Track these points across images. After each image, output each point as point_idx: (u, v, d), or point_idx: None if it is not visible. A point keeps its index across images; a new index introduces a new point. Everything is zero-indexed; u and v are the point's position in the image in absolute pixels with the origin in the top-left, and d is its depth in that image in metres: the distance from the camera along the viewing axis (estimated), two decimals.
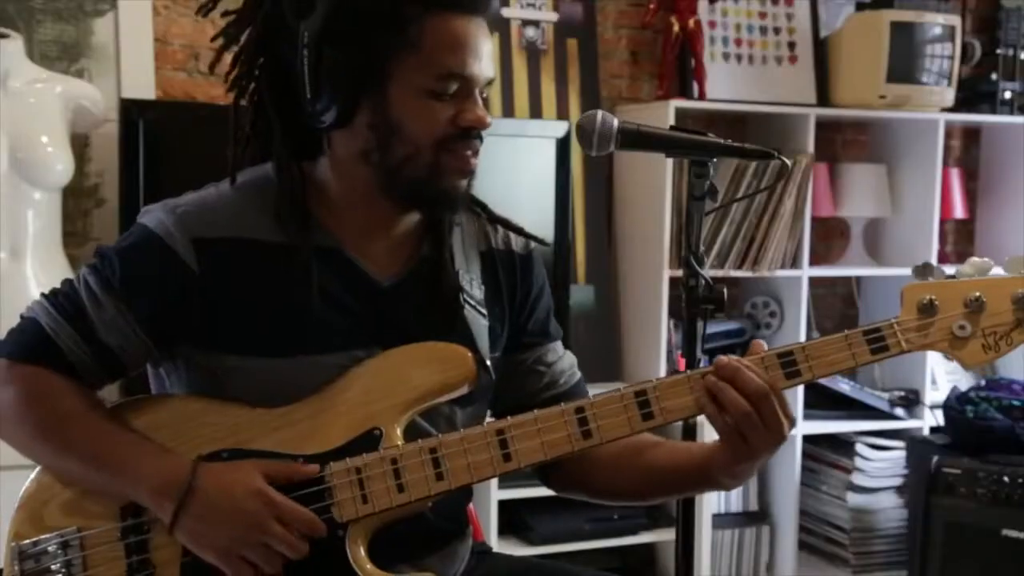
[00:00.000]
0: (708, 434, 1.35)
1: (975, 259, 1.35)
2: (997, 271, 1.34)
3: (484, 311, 1.47)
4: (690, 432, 1.39)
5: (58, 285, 1.40)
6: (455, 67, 1.31)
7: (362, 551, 1.30)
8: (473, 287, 1.46)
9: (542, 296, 1.55)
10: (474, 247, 1.50)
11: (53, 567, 1.31)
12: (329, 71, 1.31)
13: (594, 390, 1.39)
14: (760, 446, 1.28)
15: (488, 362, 1.45)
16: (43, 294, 1.38)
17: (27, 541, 1.33)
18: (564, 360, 1.56)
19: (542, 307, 1.55)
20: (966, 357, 1.30)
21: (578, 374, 1.57)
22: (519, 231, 1.53)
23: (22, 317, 1.38)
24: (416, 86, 1.31)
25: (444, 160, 1.34)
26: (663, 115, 3.15)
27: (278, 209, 1.36)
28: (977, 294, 1.30)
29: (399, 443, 1.32)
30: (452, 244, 1.46)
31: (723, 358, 1.28)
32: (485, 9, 1.35)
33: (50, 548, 1.32)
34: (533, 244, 1.55)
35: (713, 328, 3.39)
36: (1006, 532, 2.97)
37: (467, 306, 1.44)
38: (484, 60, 1.34)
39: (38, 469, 1.38)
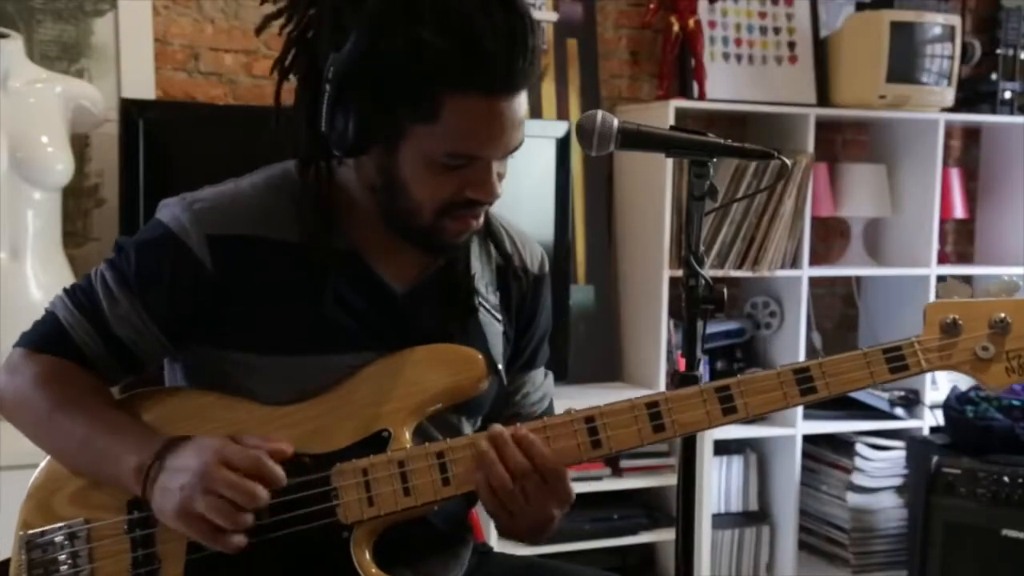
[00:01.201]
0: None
1: (1004, 278, 1.32)
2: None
3: (499, 317, 1.47)
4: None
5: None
6: (467, 150, 1.26)
7: (367, 553, 1.30)
8: (488, 292, 1.47)
9: (541, 323, 1.55)
10: (489, 256, 1.49)
11: (59, 557, 1.32)
12: (345, 112, 1.26)
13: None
14: (523, 521, 1.29)
15: (500, 367, 1.45)
16: (65, 288, 1.40)
17: (35, 531, 1.33)
18: (539, 391, 1.57)
19: (538, 335, 1.55)
20: (988, 379, 1.28)
21: (547, 403, 1.58)
22: (507, 260, 1.49)
23: (45, 311, 1.40)
24: (427, 155, 1.26)
25: (444, 223, 1.31)
26: (663, 115, 3.15)
27: (300, 209, 1.35)
28: (1003, 315, 1.27)
29: (407, 446, 1.32)
30: (470, 251, 1.45)
31: (497, 427, 1.28)
32: (517, 90, 1.25)
33: (57, 538, 1.32)
34: (547, 267, 1.55)
35: (713, 328, 3.39)
36: (1006, 532, 2.97)
37: (482, 309, 1.44)
38: (507, 139, 1.27)
39: (47, 459, 1.38)
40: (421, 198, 1.29)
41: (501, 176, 1.32)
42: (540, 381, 1.57)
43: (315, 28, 1.31)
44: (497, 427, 1.28)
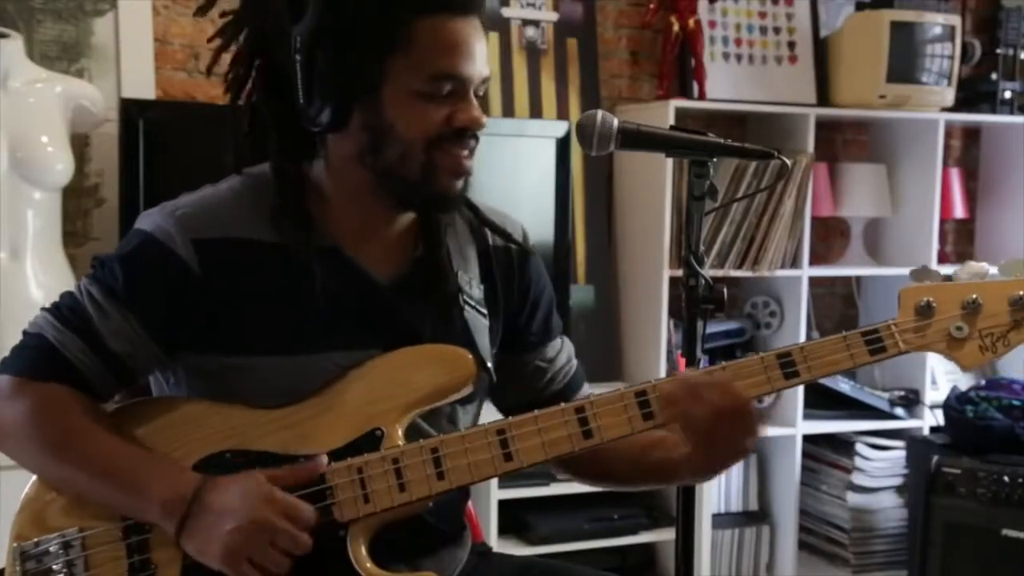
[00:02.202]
0: None
1: (972, 263, 1.36)
2: (993, 272, 1.34)
3: (484, 311, 1.47)
4: None
5: (58, 285, 1.40)
6: (446, 68, 1.31)
7: (363, 551, 1.30)
8: (472, 287, 1.47)
9: (543, 294, 1.56)
10: (471, 246, 1.50)
11: (55, 567, 1.31)
12: (321, 75, 1.31)
13: (594, 390, 1.39)
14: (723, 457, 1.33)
15: (489, 363, 1.46)
16: (44, 308, 1.37)
17: (29, 542, 1.32)
18: (563, 353, 1.58)
19: (543, 305, 1.55)
20: (963, 358, 1.31)
21: (575, 364, 1.60)
22: (505, 236, 1.52)
23: (26, 333, 1.37)
24: (408, 88, 1.31)
25: (437, 159, 1.33)
26: (663, 115, 3.15)
27: (276, 211, 1.36)
28: (974, 296, 1.31)
29: (400, 443, 1.32)
30: (448, 244, 1.46)
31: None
32: (477, 9, 1.34)
33: (52, 548, 1.31)
34: (529, 240, 1.55)
35: (713, 328, 3.39)
36: (1006, 532, 2.98)
37: (467, 306, 1.45)
38: (477, 60, 1.34)
39: None
40: (411, 136, 1.32)
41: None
42: (559, 344, 1.58)
43: (268, 23, 1.36)
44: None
